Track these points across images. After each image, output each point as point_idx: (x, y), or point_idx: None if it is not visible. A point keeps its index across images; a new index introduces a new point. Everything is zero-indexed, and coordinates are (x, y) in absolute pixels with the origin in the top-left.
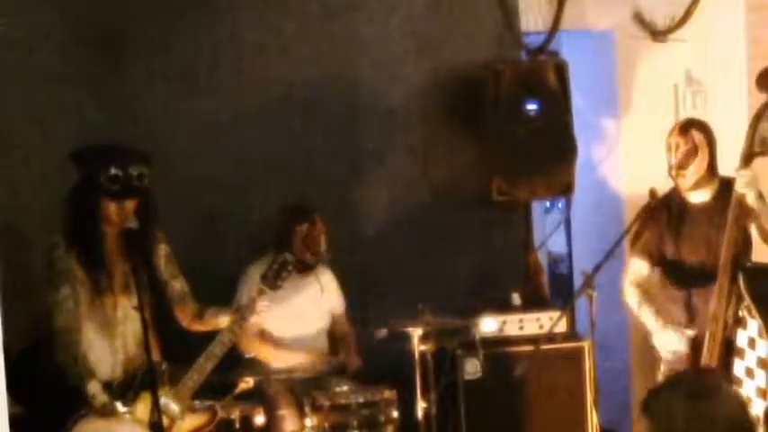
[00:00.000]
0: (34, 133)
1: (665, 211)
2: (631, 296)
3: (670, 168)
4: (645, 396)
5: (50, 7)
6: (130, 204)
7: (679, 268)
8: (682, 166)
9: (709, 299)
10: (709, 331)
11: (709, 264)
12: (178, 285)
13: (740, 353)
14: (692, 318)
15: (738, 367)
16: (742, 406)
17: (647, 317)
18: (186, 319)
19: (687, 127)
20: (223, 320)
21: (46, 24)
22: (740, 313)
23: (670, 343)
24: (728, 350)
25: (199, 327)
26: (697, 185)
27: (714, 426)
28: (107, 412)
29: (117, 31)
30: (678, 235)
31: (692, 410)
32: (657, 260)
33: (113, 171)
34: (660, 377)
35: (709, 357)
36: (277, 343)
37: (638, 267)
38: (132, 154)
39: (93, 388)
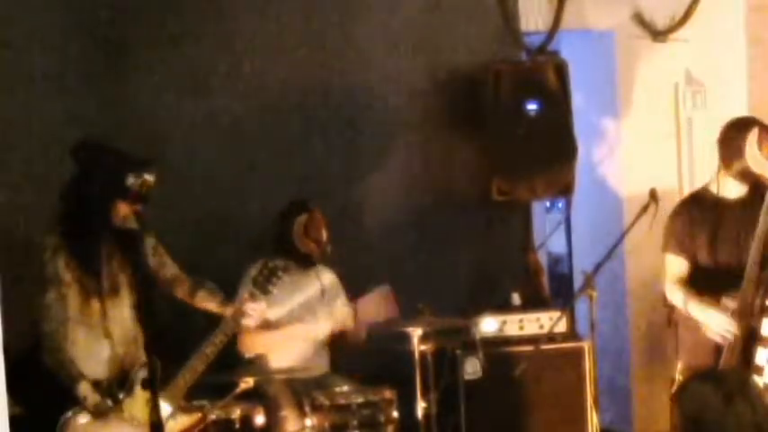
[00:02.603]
0: (34, 133)
1: (696, 208)
2: (675, 295)
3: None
4: (679, 386)
5: (50, 7)
6: (137, 207)
7: (711, 273)
8: None
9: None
10: (735, 318)
11: (741, 266)
12: (168, 272)
13: (764, 341)
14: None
15: (761, 356)
16: None
17: (695, 310)
18: (182, 295)
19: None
20: (211, 306)
21: (46, 24)
22: (767, 302)
23: (720, 326)
24: (752, 339)
25: (190, 303)
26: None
27: (743, 427)
28: (100, 412)
29: (117, 31)
30: (712, 231)
31: (728, 408)
32: (691, 255)
33: (139, 176)
34: (678, 375)
35: (732, 346)
36: (273, 326)
37: (675, 265)
38: (145, 158)
39: (84, 389)
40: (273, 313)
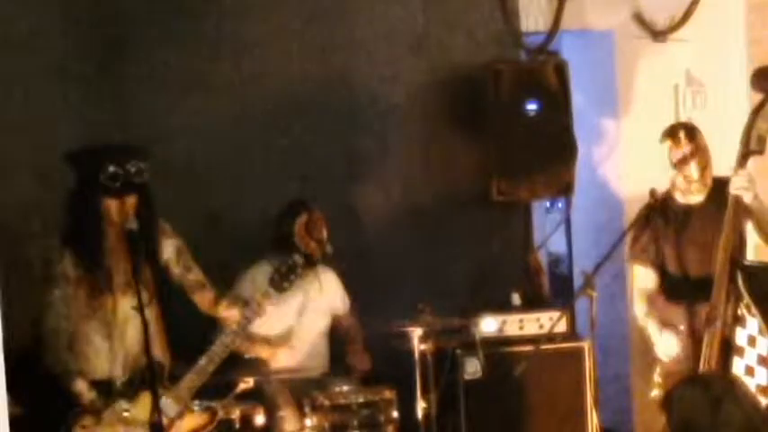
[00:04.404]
0: (34, 133)
1: (660, 215)
2: (639, 308)
3: (684, 179)
4: (668, 392)
5: (51, 7)
6: (131, 202)
7: (681, 282)
8: (700, 178)
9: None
10: (708, 331)
11: (711, 275)
12: (192, 277)
13: (740, 351)
14: (692, 320)
15: (738, 366)
16: (761, 410)
17: (651, 327)
18: (203, 305)
19: (693, 134)
20: (235, 314)
21: (46, 24)
22: (739, 312)
23: (667, 348)
24: (727, 349)
25: (214, 314)
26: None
27: (733, 429)
28: (96, 410)
29: (117, 30)
30: (677, 238)
31: (717, 412)
32: (659, 264)
33: (112, 169)
34: (656, 377)
35: (708, 357)
36: (275, 343)
37: (643, 276)
38: (129, 150)
39: (79, 386)
40: (273, 319)
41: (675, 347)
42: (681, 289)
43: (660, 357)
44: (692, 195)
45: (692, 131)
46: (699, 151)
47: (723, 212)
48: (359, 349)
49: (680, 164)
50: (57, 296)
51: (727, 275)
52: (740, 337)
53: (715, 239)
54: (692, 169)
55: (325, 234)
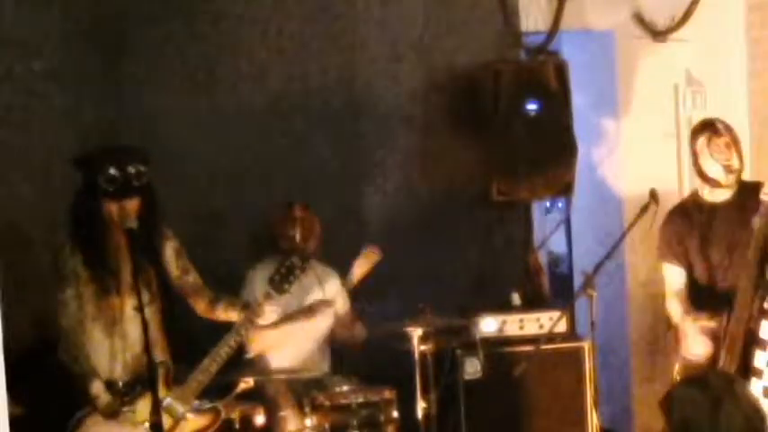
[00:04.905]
0: (34, 133)
1: (684, 215)
2: (674, 308)
3: (725, 169)
4: (668, 392)
5: (51, 7)
6: (131, 204)
7: (706, 291)
8: (740, 168)
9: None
10: (733, 322)
11: (736, 273)
12: (191, 279)
13: (763, 344)
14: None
15: (760, 358)
16: (759, 409)
17: (689, 329)
18: (200, 308)
19: (728, 124)
20: (233, 316)
21: (46, 24)
22: (766, 305)
23: (699, 348)
24: (750, 341)
25: (212, 317)
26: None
27: (733, 429)
28: (111, 413)
29: (117, 31)
30: (702, 235)
31: (717, 412)
32: (687, 262)
33: (111, 172)
34: (676, 374)
35: (730, 349)
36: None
37: (673, 275)
38: (129, 153)
39: (96, 388)
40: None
41: (706, 348)
42: (706, 298)
43: (688, 355)
44: (721, 191)
45: (726, 123)
46: (737, 140)
47: (746, 214)
48: (355, 325)
49: (722, 153)
50: (69, 295)
51: (756, 270)
52: (765, 330)
53: (741, 238)
54: (734, 158)
55: (298, 231)
